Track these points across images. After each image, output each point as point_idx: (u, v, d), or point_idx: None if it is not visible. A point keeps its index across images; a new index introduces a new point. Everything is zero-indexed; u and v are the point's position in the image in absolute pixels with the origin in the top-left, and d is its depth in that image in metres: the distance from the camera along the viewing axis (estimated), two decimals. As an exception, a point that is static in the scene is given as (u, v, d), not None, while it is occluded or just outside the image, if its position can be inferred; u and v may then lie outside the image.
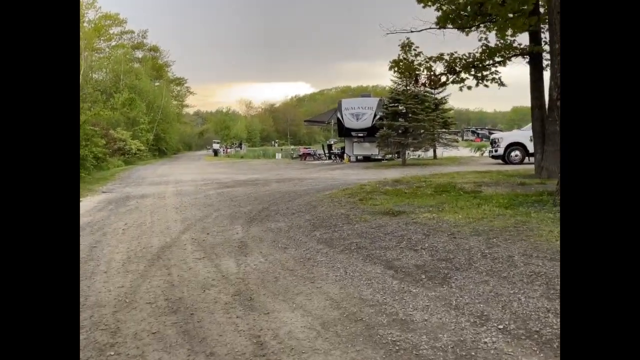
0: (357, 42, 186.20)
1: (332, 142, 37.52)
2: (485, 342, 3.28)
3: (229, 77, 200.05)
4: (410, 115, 24.01)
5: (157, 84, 59.76)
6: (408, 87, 24.33)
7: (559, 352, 3.05)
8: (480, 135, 64.11)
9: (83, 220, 8.95)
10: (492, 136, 26.06)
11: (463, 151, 32.53)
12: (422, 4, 13.47)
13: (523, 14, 11.61)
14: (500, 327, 3.49)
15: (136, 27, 77.31)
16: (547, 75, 13.05)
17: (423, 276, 4.67)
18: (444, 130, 27.60)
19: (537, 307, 3.74)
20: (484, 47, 13.03)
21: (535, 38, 12.86)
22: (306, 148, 42.57)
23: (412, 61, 12.95)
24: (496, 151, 22.13)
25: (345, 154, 30.14)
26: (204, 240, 6.97)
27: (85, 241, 7.09)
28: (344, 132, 28.93)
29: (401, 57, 12.95)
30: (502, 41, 12.98)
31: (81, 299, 4.56)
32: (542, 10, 12.69)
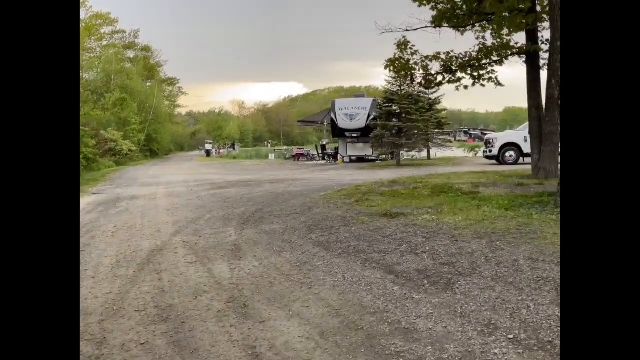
0: (350, 42, 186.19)
1: (324, 143, 37.34)
2: (495, 354, 3.09)
3: (221, 77, 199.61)
4: (404, 115, 23.86)
5: (148, 84, 59.35)
6: (402, 87, 24.20)
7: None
8: (472, 136, 64.18)
9: (71, 222, 8.68)
10: (486, 136, 25.97)
11: (456, 152, 32.44)
12: (417, 3, 13.30)
13: (520, 12, 11.45)
14: (510, 336, 3.30)
15: (128, 27, 76.65)
16: (544, 74, 12.94)
17: (425, 281, 4.47)
18: (437, 130, 27.46)
19: (548, 315, 3.55)
20: (481, 46, 12.87)
21: (532, 37, 12.71)
22: (300, 149, 42.34)
23: (408, 60, 12.77)
24: (490, 151, 22.05)
25: (339, 155, 29.95)
26: (196, 244, 6.75)
27: (72, 244, 6.84)
28: (338, 132, 28.73)
29: (397, 56, 12.76)
30: (498, 40, 12.81)
31: (66, 307, 4.33)
32: (539, 8, 12.55)
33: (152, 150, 51.73)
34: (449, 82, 13.14)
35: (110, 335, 3.76)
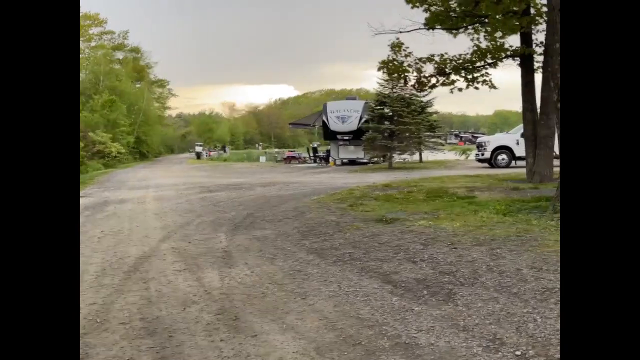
0: (341, 45, 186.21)
1: (315, 145, 37.16)
2: (504, 372, 2.90)
3: (212, 79, 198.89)
4: (396, 118, 23.73)
5: (138, 85, 58.84)
6: (394, 90, 24.08)
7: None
8: (463, 139, 64.32)
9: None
10: (478, 139, 25.91)
11: (448, 154, 32.38)
12: (410, 5, 13.16)
13: (515, 14, 11.34)
14: (518, 353, 3.11)
15: (117, 28, 76.05)
16: (538, 77, 12.84)
17: (425, 292, 4.28)
18: (429, 133, 27.34)
19: (556, 329, 3.36)
20: (475, 48, 12.74)
21: (526, 39, 12.60)
22: (291, 151, 42.12)
23: (402, 62, 12.61)
24: (482, 154, 22.01)
25: (330, 157, 29.76)
26: (185, 250, 6.52)
27: (56, 251, 6.59)
28: (330, 135, 28.55)
29: (390, 58, 12.60)
30: (492, 43, 12.69)
31: (46, 320, 4.09)
32: (532, 11, 12.44)
33: (141, 152, 51.27)
34: (442, 84, 13.01)
35: (92, 350, 3.53)
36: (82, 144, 25.00)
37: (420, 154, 28.17)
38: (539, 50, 12.63)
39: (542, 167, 11.92)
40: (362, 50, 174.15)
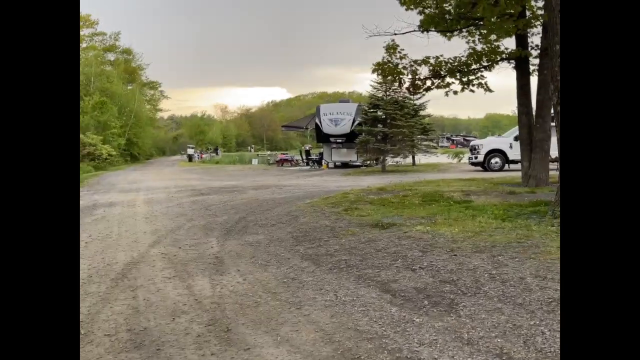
0: (334, 48, 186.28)
1: (307, 148, 36.97)
2: (513, 391, 2.72)
3: (204, 81, 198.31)
4: (389, 121, 23.59)
5: (130, 87, 58.42)
6: (388, 93, 23.95)
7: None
8: (455, 142, 64.48)
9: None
10: (471, 143, 25.83)
11: (441, 157, 32.30)
12: (404, 7, 13.01)
13: (511, 16, 11.21)
14: (527, 369, 2.94)
15: (109, 29, 75.46)
16: (533, 80, 12.73)
17: (426, 302, 4.09)
18: (422, 136, 27.22)
19: (566, 343, 3.19)
20: (471, 51, 12.61)
21: (522, 42, 12.49)
22: (284, 154, 41.89)
23: (397, 64, 12.45)
24: (476, 158, 21.94)
25: (323, 160, 29.57)
26: (175, 256, 6.31)
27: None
28: (323, 137, 28.35)
29: (385, 60, 12.43)
30: (488, 45, 12.57)
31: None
32: (528, 13, 12.33)
33: (132, 154, 50.81)
34: (437, 87, 12.86)
35: (74, 366, 3.32)
36: (71, 146, 24.60)
37: (413, 157, 28.06)
38: (535, 53, 12.53)
39: (538, 171, 11.80)
40: (354, 53, 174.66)
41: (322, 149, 30.91)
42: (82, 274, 5.54)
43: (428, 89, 12.95)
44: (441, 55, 12.76)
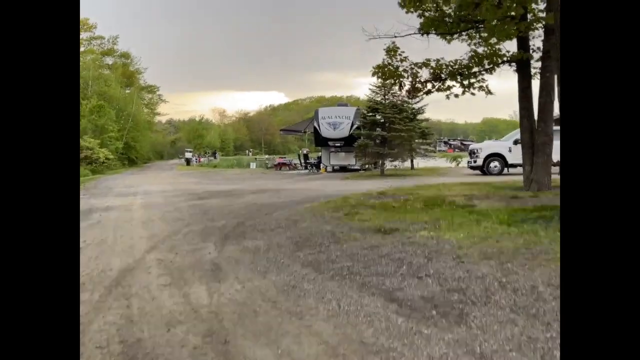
0: (332, 52, 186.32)
1: (305, 152, 36.88)
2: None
3: (202, 85, 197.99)
4: (388, 125, 23.45)
5: (127, 91, 58.29)
6: (386, 97, 23.84)
7: None
8: (452, 146, 64.56)
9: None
10: (470, 146, 25.72)
11: (439, 161, 32.17)
12: (404, 10, 12.87)
13: (513, 19, 11.06)
14: (546, 386, 2.75)
15: (107, 34, 75.31)
16: (535, 83, 12.57)
17: (434, 312, 3.90)
18: (421, 140, 27.09)
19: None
20: (472, 54, 12.45)
21: (523, 45, 12.34)
22: (282, 158, 41.78)
23: (397, 67, 12.29)
24: (475, 162, 21.84)
25: (321, 164, 29.42)
26: (171, 262, 6.12)
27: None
28: (321, 141, 28.22)
29: (386, 62, 12.28)
30: (489, 47, 12.41)
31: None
32: (530, 16, 12.18)
33: (130, 158, 50.73)
34: (438, 90, 12.69)
35: (63, 381, 3.12)
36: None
37: (412, 161, 27.93)
38: (536, 55, 12.37)
39: (540, 175, 11.63)
40: (352, 58, 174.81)
41: (320, 153, 30.78)
42: (75, 282, 5.35)
43: (428, 92, 12.78)
44: (442, 58, 12.62)
